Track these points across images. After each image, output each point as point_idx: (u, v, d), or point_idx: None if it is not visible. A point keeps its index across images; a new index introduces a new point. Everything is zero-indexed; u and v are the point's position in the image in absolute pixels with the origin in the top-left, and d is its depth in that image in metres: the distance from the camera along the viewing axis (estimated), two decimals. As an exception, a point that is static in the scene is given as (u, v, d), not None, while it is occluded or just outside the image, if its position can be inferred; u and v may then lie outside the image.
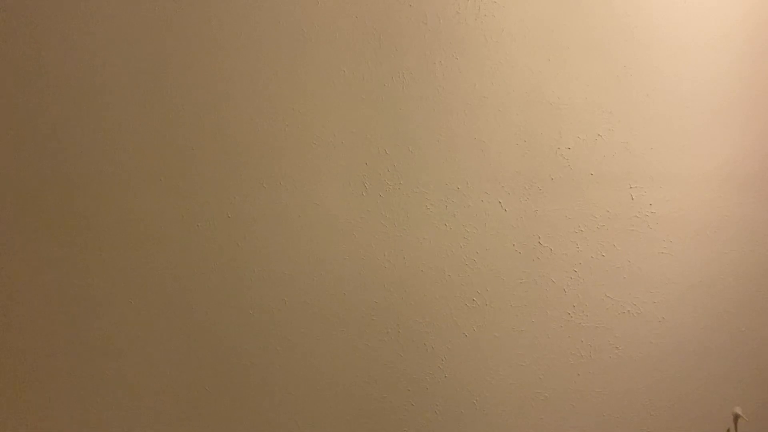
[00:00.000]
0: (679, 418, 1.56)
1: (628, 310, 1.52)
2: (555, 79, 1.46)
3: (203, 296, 1.40)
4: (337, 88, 1.41)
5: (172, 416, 1.41)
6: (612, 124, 1.49)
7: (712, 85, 1.52)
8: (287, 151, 1.41)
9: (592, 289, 1.51)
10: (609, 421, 1.54)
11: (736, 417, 1.57)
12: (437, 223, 1.45)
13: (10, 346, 1.36)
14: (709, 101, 1.52)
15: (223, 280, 1.40)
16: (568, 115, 1.47)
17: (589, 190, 1.49)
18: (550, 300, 1.49)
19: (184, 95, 1.38)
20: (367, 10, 1.41)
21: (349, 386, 1.47)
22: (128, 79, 1.37)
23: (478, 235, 1.47)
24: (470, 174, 1.46)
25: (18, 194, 1.35)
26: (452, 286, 1.46)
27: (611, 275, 1.51)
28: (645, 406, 1.54)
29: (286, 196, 1.41)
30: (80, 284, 1.37)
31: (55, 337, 1.37)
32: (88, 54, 1.35)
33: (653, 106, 1.50)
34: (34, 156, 1.35)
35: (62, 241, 1.36)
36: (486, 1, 1.43)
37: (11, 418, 1.37)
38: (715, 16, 1.51)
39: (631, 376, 1.53)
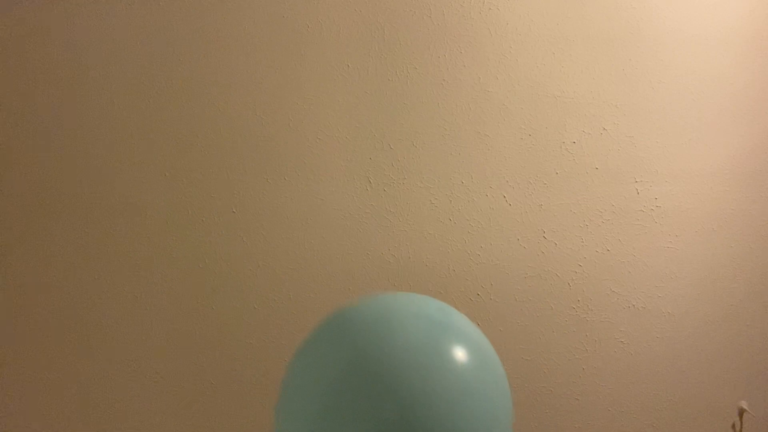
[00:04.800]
0: (684, 412, 1.56)
1: (633, 305, 1.52)
2: (560, 73, 1.46)
3: (208, 291, 1.40)
4: (341, 83, 1.41)
5: (176, 410, 1.41)
6: (617, 118, 1.48)
7: (718, 79, 1.51)
8: (291, 146, 1.41)
9: (597, 284, 1.50)
10: (614, 416, 1.54)
11: (742, 411, 1.57)
12: (441, 218, 1.45)
13: (13, 342, 1.36)
14: (715, 95, 1.51)
15: (228, 274, 1.41)
16: (573, 109, 1.47)
17: (594, 184, 1.48)
18: (555, 294, 1.49)
19: (188, 90, 1.38)
20: (370, 3, 1.41)
21: (354, 381, 1.47)
22: (130, 74, 1.37)
23: (482, 229, 1.46)
24: (474, 168, 1.45)
25: (21, 191, 1.35)
26: (456, 280, 1.46)
27: (616, 270, 1.51)
28: (650, 400, 1.54)
29: (291, 190, 1.41)
30: (85, 279, 1.37)
31: (59, 331, 1.37)
32: (90, 49, 1.35)
33: (659, 100, 1.49)
34: (37, 153, 1.35)
35: (66, 238, 1.36)
36: (490, -6, 1.42)
37: (13, 417, 1.37)
38: (722, 9, 1.50)
39: (637, 370, 1.53)
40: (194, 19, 1.37)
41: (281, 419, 0.85)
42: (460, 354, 0.80)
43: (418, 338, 0.79)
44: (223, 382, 1.42)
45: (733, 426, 1.58)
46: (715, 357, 1.56)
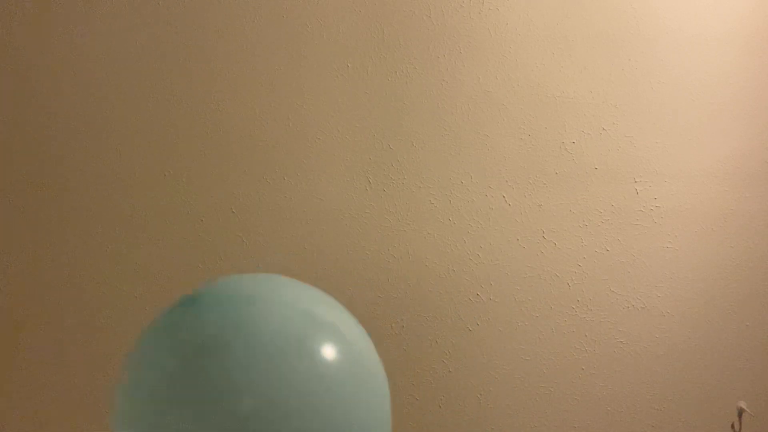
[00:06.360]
0: (683, 412, 1.56)
1: (633, 305, 1.52)
2: (559, 73, 1.46)
3: (208, 291, 1.40)
4: (341, 83, 1.41)
5: (177, 410, 1.41)
6: (617, 118, 1.48)
7: (717, 79, 1.51)
8: (291, 146, 1.41)
9: (597, 284, 1.50)
10: (613, 416, 1.54)
11: (741, 411, 1.57)
12: (441, 218, 1.45)
13: (12, 342, 1.36)
14: (714, 95, 1.51)
15: (227, 274, 1.41)
16: (572, 109, 1.47)
17: (593, 184, 1.48)
18: (555, 294, 1.49)
19: (188, 91, 1.38)
20: (370, 4, 1.41)
21: (354, 380, 1.47)
22: (131, 74, 1.37)
23: (482, 229, 1.46)
24: (474, 168, 1.45)
25: (21, 192, 1.35)
26: (456, 280, 1.46)
27: (616, 269, 1.51)
28: (649, 400, 1.54)
29: (290, 191, 1.41)
30: (85, 279, 1.37)
31: (58, 333, 1.37)
32: (89, 50, 1.35)
33: (658, 100, 1.49)
34: (38, 154, 1.35)
35: (67, 238, 1.37)
36: (490, -6, 1.42)
37: (12, 416, 1.37)
38: (722, 9, 1.50)
39: (636, 370, 1.53)
40: (194, 20, 1.37)
41: (118, 408, 0.70)
42: (329, 350, 0.70)
43: (283, 326, 0.69)
44: (223, 381, 1.42)
45: (733, 426, 1.58)
46: (714, 357, 1.56)
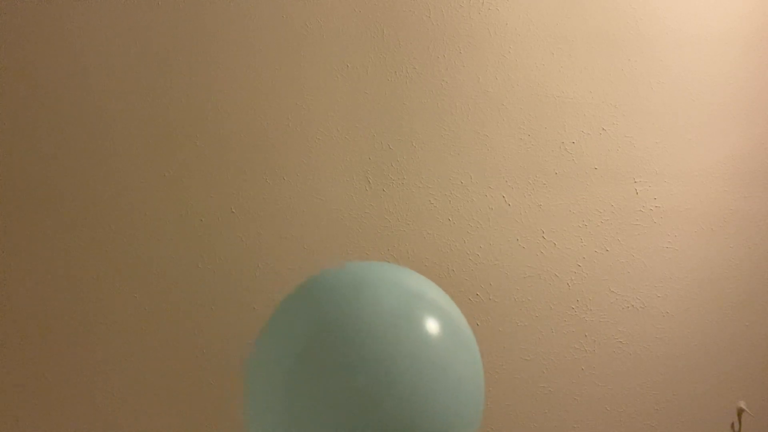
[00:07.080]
0: (683, 412, 1.56)
1: (632, 305, 1.52)
2: (559, 73, 1.46)
3: (207, 291, 1.40)
4: (341, 83, 1.41)
5: (175, 411, 1.41)
6: (616, 118, 1.48)
7: (717, 79, 1.51)
8: (290, 146, 1.41)
9: (596, 284, 1.50)
10: (613, 416, 1.54)
11: (741, 411, 1.57)
12: (441, 218, 1.45)
13: (11, 343, 1.36)
14: (714, 95, 1.51)
15: (227, 275, 1.41)
16: (572, 109, 1.47)
17: (593, 184, 1.48)
18: (554, 294, 1.49)
19: (187, 90, 1.38)
20: (370, 4, 1.41)
21: (353, 380, 1.47)
22: (131, 74, 1.37)
23: (481, 229, 1.46)
24: (474, 168, 1.45)
25: (22, 191, 1.36)
26: (456, 280, 1.46)
27: (615, 270, 1.51)
28: (649, 400, 1.54)
29: (290, 191, 1.41)
30: (84, 279, 1.38)
31: (58, 331, 1.37)
32: (90, 49, 1.35)
33: (658, 100, 1.49)
34: (37, 153, 1.35)
35: (67, 237, 1.37)
36: (490, -6, 1.42)
37: (11, 416, 1.38)
38: (721, 9, 1.50)
39: (635, 370, 1.53)
40: (194, 19, 1.37)
41: (249, 387, 0.81)
42: (431, 324, 0.78)
43: (390, 306, 0.77)
44: (223, 381, 1.42)
45: (732, 426, 1.58)
46: (714, 357, 1.56)
